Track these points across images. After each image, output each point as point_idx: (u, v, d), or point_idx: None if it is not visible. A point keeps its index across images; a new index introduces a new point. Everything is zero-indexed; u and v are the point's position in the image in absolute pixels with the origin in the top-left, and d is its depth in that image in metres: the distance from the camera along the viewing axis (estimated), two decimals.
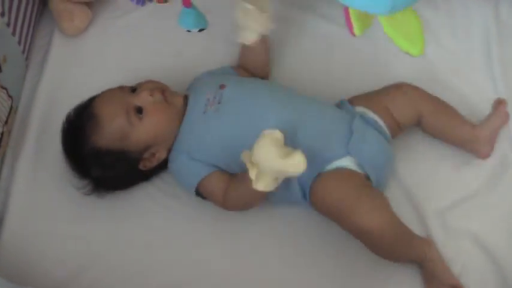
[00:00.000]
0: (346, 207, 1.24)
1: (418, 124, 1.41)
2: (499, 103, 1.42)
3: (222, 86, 1.36)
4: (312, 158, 1.23)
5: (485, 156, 1.40)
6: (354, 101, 1.41)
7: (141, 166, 1.37)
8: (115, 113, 1.32)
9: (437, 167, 1.42)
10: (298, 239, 1.36)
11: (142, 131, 1.33)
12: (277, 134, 1.13)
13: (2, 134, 1.42)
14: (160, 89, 1.36)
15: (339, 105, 1.42)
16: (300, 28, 1.60)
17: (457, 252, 1.31)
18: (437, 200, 1.37)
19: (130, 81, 1.43)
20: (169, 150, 1.37)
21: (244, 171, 1.19)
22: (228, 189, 1.30)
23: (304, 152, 1.12)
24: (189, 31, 1.14)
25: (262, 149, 1.12)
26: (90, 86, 1.44)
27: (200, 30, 1.19)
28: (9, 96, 1.45)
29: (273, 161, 1.11)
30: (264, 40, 1.43)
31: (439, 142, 1.43)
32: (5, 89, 1.42)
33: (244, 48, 1.46)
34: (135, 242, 1.37)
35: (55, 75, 1.55)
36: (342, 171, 1.29)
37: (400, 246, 1.27)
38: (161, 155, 1.37)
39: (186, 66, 1.55)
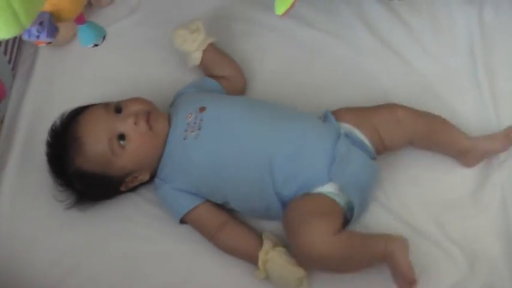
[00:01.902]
0: (294, 228, 1.26)
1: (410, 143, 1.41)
2: (509, 132, 1.41)
3: (202, 109, 1.35)
4: (294, 182, 1.28)
5: (468, 166, 1.41)
6: (340, 115, 1.39)
7: (122, 187, 1.38)
8: (98, 139, 1.31)
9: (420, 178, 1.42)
10: None
11: (125, 160, 1.33)
12: (302, 273, 1.27)
13: None
14: (145, 113, 1.34)
15: (324, 116, 1.40)
16: (283, 35, 1.60)
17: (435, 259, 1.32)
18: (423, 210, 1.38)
19: (117, 92, 1.45)
20: (152, 174, 1.38)
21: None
22: (223, 234, 1.33)
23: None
24: (96, 45, 1.13)
25: (284, 280, 1.27)
26: (77, 97, 1.47)
27: (103, 39, 1.17)
28: None
29: (287, 282, 1.27)
30: (215, 50, 1.49)
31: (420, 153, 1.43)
32: None
33: (204, 67, 1.50)
34: (118, 249, 1.39)
35: (41, 85, 1.56)
36: (315, 196, 1.29)
37: (354, 260, 1.26)
38: (144, 178, 1.38)
39: (172, 76, 1.56)
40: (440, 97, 1.50)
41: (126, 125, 1.32)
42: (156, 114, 1.37)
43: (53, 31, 0.95)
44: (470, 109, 1.48)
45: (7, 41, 1.50)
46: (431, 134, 1.39)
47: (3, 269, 1.37)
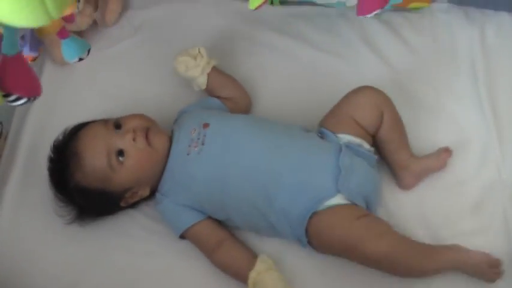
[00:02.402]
0: (353, 241, 1.24)
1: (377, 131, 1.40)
2: (445, 150, 1.43)
3: (205, 125, 1.36)
4: (300, 198, 1.28)
5: (405, 187, 1.41)
6: (330, 126, 1.40)
7: (122, 203, 1.39)
8: (97, 155, 1.32)
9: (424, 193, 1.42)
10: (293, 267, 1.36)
11: (124, 176, 1.33)
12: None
13: None
14: (144, 129, 1.35)
15: (321, 134, 1.40)
16: (284, 54, 1.62)
17: None
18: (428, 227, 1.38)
19: (119, 108, 1.46)
20: (152, 188, 1.39)
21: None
22: (220, 254, 1.33)
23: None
24: (81, 59, 1.13)
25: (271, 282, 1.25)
26: (79, 114, 1.48)
27: (88, 53, 1.17)
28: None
29: None
30: (219, 73, 1.50)
31: None
32: None
33: (209, 90, 1.50)
34: (118, 264, 1.39)
35: (44, 102, 1.57)
36: (337, 208, 1.29)
37: (417, 263, 1.27)
38: (144, 193, 1.39)
39: (175, 93, 1.57)
40: (441, 113, 1.50)
41: (124, 141, 1.33)
42: (155, 130, 1.37)
43: (36, 45, 0.96)
44: (472, 127, 1.48)
45: None
46: (393, 127, 1.39)
47: (4, 283, 1.37)
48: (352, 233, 1.24)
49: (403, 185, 1.41)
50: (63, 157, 1.36)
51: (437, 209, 1.39)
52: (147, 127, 1.36)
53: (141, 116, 1.39)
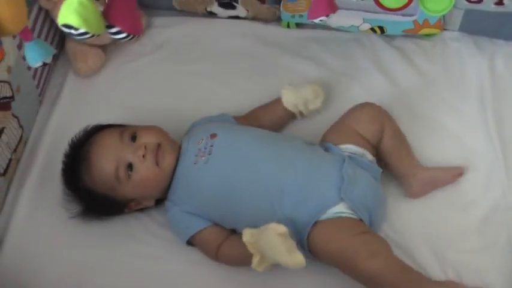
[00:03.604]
0: (347, 255, 1.25)
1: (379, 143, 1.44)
2: (458, 168, 1.45)
3: (213, 136, 1.40)
4: (304, 207, 1.30)
5: (413, 195, 1.43)
6: (333, 138, 1.43)
7: (126, 210, 1.43)
8: (106, 164, 1.37)
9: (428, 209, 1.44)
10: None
11: (129, 188, 1.38)
12: (283, 229, 1.18)
13: (10, 160, 1.50)
14: (155, 146, 1.38)
15: (325, 148, 1.43)
16: (298, 75, 1.65)
17: None
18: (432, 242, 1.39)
19: (136, 120, 1.51)
20: (159, 198, 1.43)
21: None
22: (223, 247, 1.35)
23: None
24: (45, 64, 1.13)
25: (270, 242, 1.19)
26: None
27: (52, 58, 1.16)
28: (20, 126, 1.53)
29: (280, 256, 1.18)
30: (289, 114, 1.55)
31: None
32: (17, 117, 1.51)
33: (271, 109, 1.55)
34: (125, 267, 1.41)
35: (65, 111, 1.64)
36: (338, 220, 1.31)
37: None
38: (148, 204, 1.44)
39: (190, 108, 1.61)
40: (449, 137, 1.53)
41: (135, 156, 1.37)
42: (165, 148, 1.40)
43: None
44: (479, 150, 1.50)
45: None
46: (394, 139, 1.44)
47: (14, 282, 1.40)
48: (347, 247, 1.25)
49: (410, 193, 1.43)
50: (76, 157, 1.41)
51: (441, 227, 1.40)
52: (159, 144, 1.40)
53: (156, 131, 1.44)
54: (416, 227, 1.41)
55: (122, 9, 0.94)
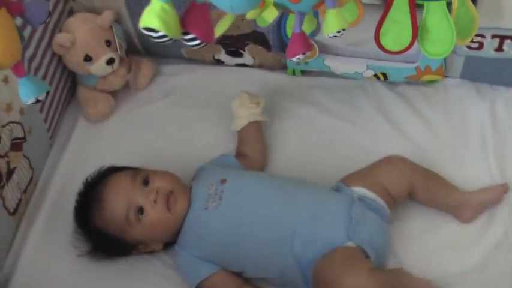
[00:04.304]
0: (330, 279, 1.25)
1: (410, 195, 1.47)
2: (502, 186, 1.48)
3: (222, 181, 1.42)
4: (313, 246, 1.32)
5: (465, 220, 1.45)
6: (348, 181, 1.46)
7: (134, 252, 1.45)
8: (117, 207, 1.39)
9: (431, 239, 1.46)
10: None
11: (138, 231, 1.39)
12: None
13: (20, 200, 1.52)
14: (167, 192, 1.40)
15: (336, 188, 1.46)
16: (304, 122, 1.70)
17: None
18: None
19: (145, 165, 1.53)
20: (168, 242, 1.44)
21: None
22: None
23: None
24: (39, 101, 1.08)
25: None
26: None
27: (47, 95, 1.12)
28: (31, 167, 1.56)
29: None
30: (258, 129, 1.59)
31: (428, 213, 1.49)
32: (28, 158, 1.53)
33: (239, 137, 1.59)
34: None
35: (75, 155, 1.67)
36: (334, 251, 1.31)
37: None
38: (156, 247, 1.45)
39: (197, 153, 1.63)
40: (452, 181, 1.53)
41: (146, 200, 1.39)
42: (177, 194, 1.41)
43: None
44: None
45: (48, 110, 1.63)
46: (429, 185, 1.46)
47: None
48: (331, 273, 1.26)
49: (463, 219, 1.46)
50: (90, 196, 1.43)
51: (442, 267, 1.41)
52: (171, 190, 1.41)
53: (168, 176, 1.45)
54: (423, 264, 1.41)
55: (196, 18, 0.98)
